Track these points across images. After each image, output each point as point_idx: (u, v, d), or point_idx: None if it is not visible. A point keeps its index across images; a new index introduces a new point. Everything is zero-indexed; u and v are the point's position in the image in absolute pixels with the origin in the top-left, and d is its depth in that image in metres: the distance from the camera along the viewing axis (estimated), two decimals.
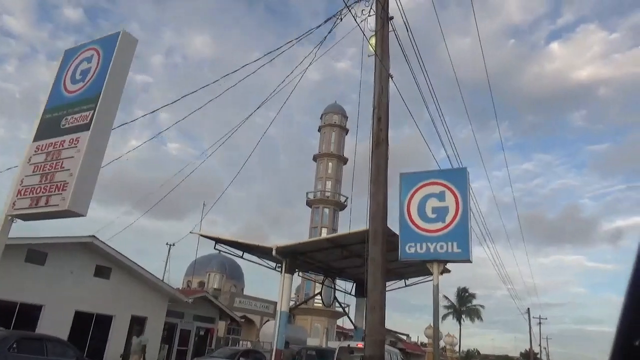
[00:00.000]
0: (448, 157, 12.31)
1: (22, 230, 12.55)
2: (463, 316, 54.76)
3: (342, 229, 33.38)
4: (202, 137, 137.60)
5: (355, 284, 25.55)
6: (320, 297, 31.67)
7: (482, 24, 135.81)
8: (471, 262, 8.27)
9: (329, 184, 44.85)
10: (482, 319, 55.01)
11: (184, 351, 24.32)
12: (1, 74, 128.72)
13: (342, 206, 44.61)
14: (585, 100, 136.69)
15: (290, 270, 19.91)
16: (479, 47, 53.53)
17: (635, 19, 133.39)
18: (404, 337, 55.89)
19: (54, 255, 16.90)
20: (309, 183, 49.00)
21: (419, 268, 18.77)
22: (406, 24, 8.83)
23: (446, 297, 54.83)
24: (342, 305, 29.68)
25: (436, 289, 8.36)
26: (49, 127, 7.31)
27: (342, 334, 41.73)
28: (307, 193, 45.88)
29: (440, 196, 8.62)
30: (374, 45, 8.54)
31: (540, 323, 55.22)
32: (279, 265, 20.61)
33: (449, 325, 55.93)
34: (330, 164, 45.39)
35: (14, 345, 10.30)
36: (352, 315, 27.01)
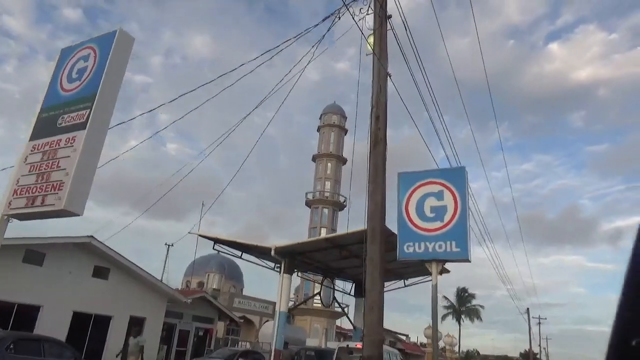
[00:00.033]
0: (447, 157, 12.26)
1: (20, 230, 12.52)
2: (462, 316, 54.71)
3: (342, 229, 33.33)
4: (201, 138, 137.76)
5: (354, 284, 25.53)
6: (319, 298, 31.60)
7: (482, 25, 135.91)
8: (470, 261, 8.23)
9: (328, 184, 44.84)
10: (481, 319, 55.04)
11: (182, 352, 24.27)
12: (1, 75, 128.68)
13: (341, 206, 44.59)
14: (584, 100, 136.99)
15: (289, 271, 19.88)
16: (479, 47, 53.63)
17: (635, 19, 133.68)
18: (404, 338, 55.89)
19: (52, 256, 16.84)
20: (308, 183, 48.99)
21: (418, 268, 18.72)
22: (404, 22, 8.80)
23: (446, 298, 54.86)
24: (341, 305, 29.66)
25: (435, 289, 8.31)
26: (45, 126, 7.27)
27: (342, 335, 41.71)
28: (306, 193, 45.89)
29: (439, 195, 8.58)
30: (372, 43, 8.51)
31: (539, 323, 55.32)
32: (278, 265, 20.58)
33: (448, 326, 56.02)
34: (329, 164, 45.39)
35: (11, 346, 10.25)
36: (351, 315, 26.98)
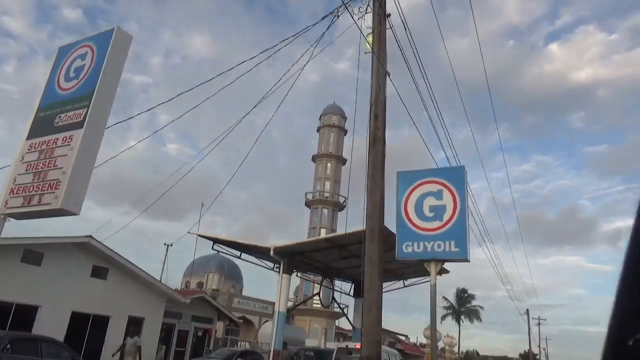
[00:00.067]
0: (447, 158, 12.19)
1: (18, 230, 12.48)
2: (462, 317, 54.69)
3: (341, 230, 33.29)
4: (201, 138, 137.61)
5: (353, 285, 25.49)
6: (318, 298, 31.60)
7: (481, 25, 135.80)
8: (469, 261, 8.19)
9: (327, 185, 44.82)
10: (481, 320, 55.03)
11: (181, 352, 24.23)
12: (0, 75, 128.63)
13: (341, 207, 44.57)
14: (584, 101, 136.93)
15: (289, 271, 19.84)
16: (478, 47, 53.62)
17: (635, 20, 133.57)
18: (403, 338, 55.81)
19: (51, 256, 16.80)
20: (308, 183, 48.93)
21: (418, 268, 18.67)
22: (404, 21, 8.78)
23: (445, 298, 54.85)
24: (341, 305, 29.62)
25: (433, 289, 8.28)
26: (42, 125, 7.24)
27: (341, 335, 41.68)
28: (306, 194, 45.86)
29: (438, 195, 8.55)
30: (371, 42, 8.48)
31: (539, 324, 55.25)
32: (277, 265, 20.54)
33: (448, 326, 55.86)
34: (329, 164, 45.37)
35: (8, 346, 10.21)
36: (350, 315, 26.93)
